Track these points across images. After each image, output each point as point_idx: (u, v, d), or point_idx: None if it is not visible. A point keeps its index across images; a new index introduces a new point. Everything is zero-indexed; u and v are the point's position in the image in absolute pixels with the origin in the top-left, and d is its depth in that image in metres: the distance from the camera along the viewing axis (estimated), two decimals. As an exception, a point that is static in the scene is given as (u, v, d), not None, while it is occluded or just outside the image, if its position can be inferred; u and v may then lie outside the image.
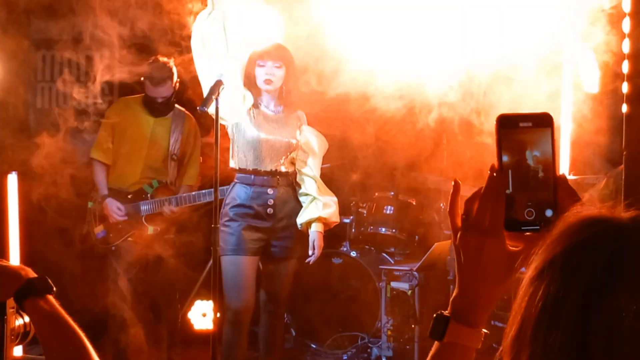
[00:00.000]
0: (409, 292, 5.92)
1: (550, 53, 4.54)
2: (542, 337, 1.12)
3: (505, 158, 1.41)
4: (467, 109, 4.92)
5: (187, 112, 5.92)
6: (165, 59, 5.73)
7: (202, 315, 6.06)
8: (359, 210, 6.47)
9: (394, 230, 6.36)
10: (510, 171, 1.41)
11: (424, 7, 4.49)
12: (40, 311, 1.93)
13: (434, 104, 4.92)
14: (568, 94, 4.77)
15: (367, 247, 6.45)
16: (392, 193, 6.47)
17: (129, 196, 5.79)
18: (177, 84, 5.79)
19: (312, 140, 5.15)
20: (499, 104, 4.65)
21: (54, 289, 1.99)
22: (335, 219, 5.13)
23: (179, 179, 5.90)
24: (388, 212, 6.39)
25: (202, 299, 6.12)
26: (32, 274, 2.01)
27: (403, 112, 5.10)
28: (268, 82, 4.99)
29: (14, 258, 4.45)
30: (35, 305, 1.94)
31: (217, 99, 4.63)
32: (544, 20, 4.35)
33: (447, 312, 1.44)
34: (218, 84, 4.65)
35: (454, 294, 1.45)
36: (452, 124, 5.34)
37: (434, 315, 1.45)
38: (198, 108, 4.73)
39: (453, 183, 1.50)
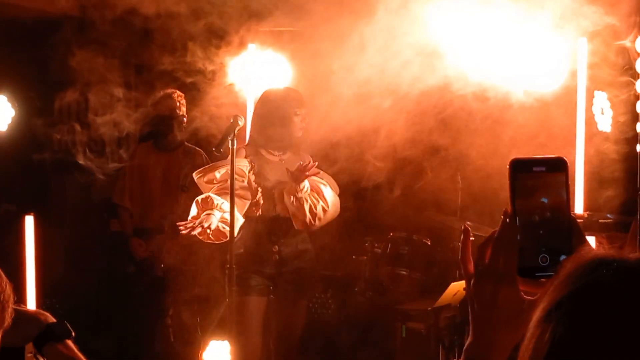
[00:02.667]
0: (425, 332, 5.90)
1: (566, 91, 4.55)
2: None
3: (518, 203, 1.40)
4: (481, 145, 4.93)
5: (197, 148, 6.10)
6: (173, 90, 5.89)
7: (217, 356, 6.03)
8: (374, 250, 6.46)
9: (408, 270, 6.34)
10: (523, 217, 1.39)
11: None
12: (59, 356, 1.94)
13: (447, 143, 4.94)
14: (582, 132, 4.77)
15: (382, 287, 6.43)
16: (407, 233, 6.47)
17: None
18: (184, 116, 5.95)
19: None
20: (514, 143, 4.66)
21: (73, 333, 2.00)
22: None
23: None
24: (403, 251, 6.38)
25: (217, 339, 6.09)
26: (51, 319, 2.02)
27: (417, 152, 5.13)
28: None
29: (31, 301, 4.47)
30: (54, 350, 1.95)
31: (232, 140, 4.66)
32: (557, 58, 4.36)
33: None
34: (233, 126, 4.69)
35: (467, 342, 1.44)
36: (467, 162, 5.36)
37: None
38: (214, 150, 4.76)
39: (463, 228, 1.50)
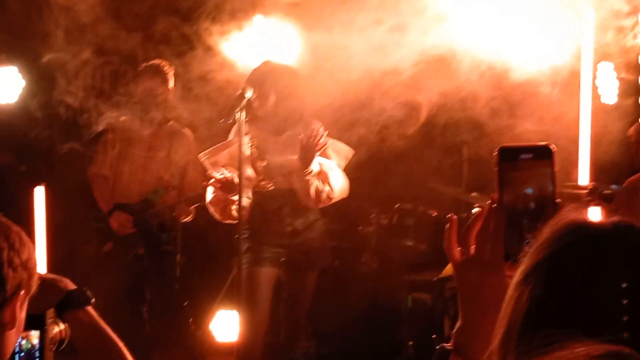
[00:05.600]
0: (430, 303, 5.95)
1: (569, 63, 4.56)
2: (528, 338, 1.15)
3: (505, 191, 1.42)
4: (488, 119, 4.95)
5: (183, 129, 5.86)
6: (159, 62, 5.69)
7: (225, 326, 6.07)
8: (380, 221, 6.49)
9: (414, 241, 6.38)
10: (510, 204, 1.41)
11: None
12: (80, 323, 1.98)
13: (455, 115, 4.96)
14: (587, 105, 4.78)
15: (388, 258, 6.47)
16: (413, 204, 6.50)
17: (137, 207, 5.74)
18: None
19: None
20: (517, 117, 4.68)
21: (93, 300, 2.03)
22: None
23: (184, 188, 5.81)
24: (409, 223, 6.42)
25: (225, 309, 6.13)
26: (71, 285, 2.06)
27: (423, 124, 5.14)
28: None
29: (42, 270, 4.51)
30: (75, 317, 1.99)
31: (240, 111, 4.68)
32: (562, 31, 4.37)
33: (449, 345, 1.46)
34: (241, 97, 4.70)
35: (456, 327, 1.47)
36: (473, 134, 5.38)
37: (436, 347, 1.47)
38: (221, 121, 4.78)
39: (449, 217, 1.51)
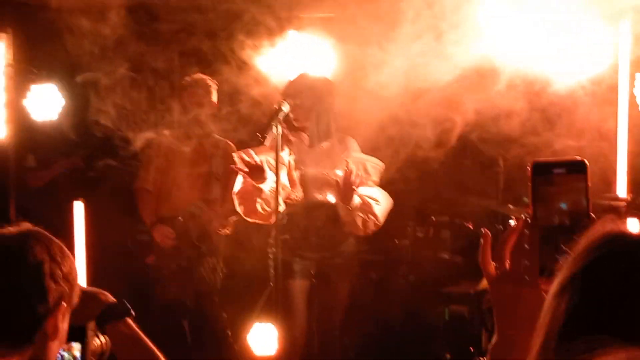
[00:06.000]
0: (467, 315, 5.93)
1: (606, 75, 4.53)
2: (566, 347, 1.15)
3: (539, 205, 1.42)
4: (524, 131, 4.93)
5: (226, 140, 5.87)
6: (202, 76, 5.72)
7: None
8: (417, 234, 6.49)
9: (450, 254, 6.37)
10: (544, 218, 1.41)
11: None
12: (121, 335, 2.01)
13: (491, 127, 4.94)
14: (624, 116, 4.75)
15: (424, 270, 6.46)
16: (448, 217, 6.48)
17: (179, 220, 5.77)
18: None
19: None
20: (553, 128, 4.66)
21: (133, 312, 2.06)
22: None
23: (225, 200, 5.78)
24: (445, 235, 6.41)
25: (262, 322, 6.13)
26: (111, 298, 2.08)
27: (459, 136, 5.14)
28: None
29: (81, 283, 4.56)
30: (116, 329, 2.01)
31: (276, 125, 4.70)
32: (598, 43, 4.35)
33: (486, 358, 1.48)
34: (278, 111, 4.73)
35: (492, 342, 1.47)
36: (508, 145, 5.35)
37: None
38: (258, 134, 4.81)
39: (483, 233, 1.52)
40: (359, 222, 4.98)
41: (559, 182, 1.42)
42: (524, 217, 1.44)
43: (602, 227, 1.24)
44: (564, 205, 1.41)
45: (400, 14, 4.53)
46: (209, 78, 5.75)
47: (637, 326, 1.13)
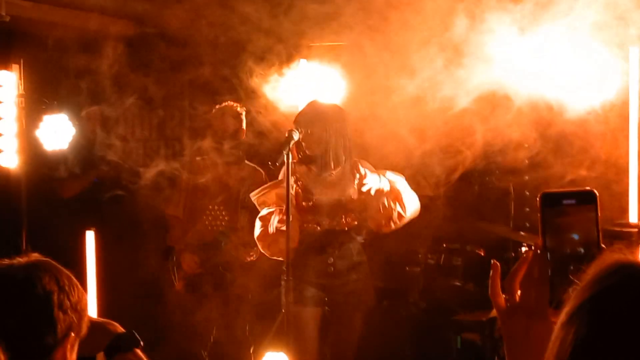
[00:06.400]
0: (480, 343, 5.89)
1: (617, 101, 4.53)
2: None
3: (549, 237, 1.41)
4: (534, 158, 4.92)
5: (257, 167, 5.94)
6: (232, 104, 5.79)
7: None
8: (428, 261, 6.47)
9: (462, 281, 6.34)
10: (554, 251, 1.41)
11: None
12: None
13: (502, 156, 4.94)
14: (635, 141, 4.73)
15: (436, 298, 6.43)
16: (460, 244, 6.47)
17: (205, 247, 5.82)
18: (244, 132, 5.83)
19: None
20: (563, 155, 4.64)
21: (142, 343, 2.05)
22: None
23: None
24: (456, 263, 6.38)
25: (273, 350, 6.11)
26: (120, 328, 2.08)
27: (470, 164, 5.13)
28: None
29: (92, 312, 4.56)
30: (124, 359, 2.01)
31: (287, 154, 4.71)
32: (607, 70, 4.35)
33: None
34: (288, 140, 4.74)
35: None
36: (519, 173, 5.35)
37: None
38: (269, 164, 4.82)
39: (492, 264, 1.52)
40: (380, 209, 4.95)
41: (569, 213, 1.41)
42: (533, 249, 1.43)
43: (611, 256, 1.23)
44: (575, 236, 1.40)
45: (409, 42, 4.55)
46: (239, 105, 5.82)
47: None
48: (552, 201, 1.41)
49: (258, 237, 5.03)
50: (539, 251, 1.43)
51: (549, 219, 1.41)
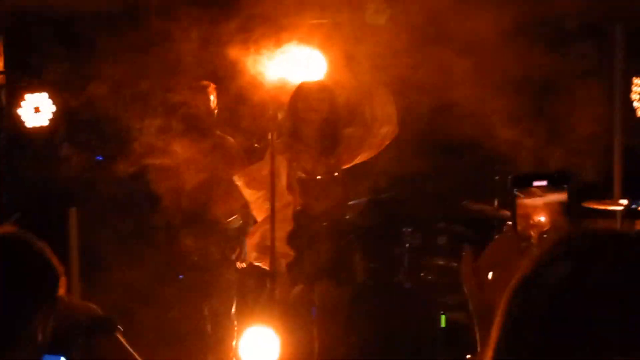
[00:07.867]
0: (465, 322, 5.90)
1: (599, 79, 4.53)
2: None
3: (519, 218, 1.40)
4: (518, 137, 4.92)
5: (228, 137, 5.90)
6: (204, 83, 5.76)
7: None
8: (413, 240, 6.46)
9: (447, 260, 6.34)
10: (524, 231, 1.40)
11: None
12: (108, 349, 1.98)
13: (487, 132, 4.93)
14: (618, 119, 4.73)
15: (421, 277, 6.44)
16: (445, 223, 6.47)
17: None
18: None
19: None
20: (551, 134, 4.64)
21: (121, 328, 2.03)
22: None
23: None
24: (441, 242, 6.39)
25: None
26: (99, 311, 2.05)
27: (455, 142, 5.13)
28: None
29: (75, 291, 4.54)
30: (103, 342, 1.98)
31: (272, 134, 4.70)
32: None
33: None
34: (271, 119, 4.73)
35: (476, 355, 1.48)
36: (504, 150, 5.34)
37: None
38: (254, 144, 4.81)
39: (462, 253, 1.51)
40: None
41: (538, 195, 1.38)
42: (505, 230, 1.42)
43: (563, 227, 1.20)
44: (542, 219, 1.38)
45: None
46: (210, 84, 5.77)
47: (582, 328, 1.09)
48: (522, 182, 1.40)
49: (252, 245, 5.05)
50: (509, 233, 1.41)
51: (519, 201, 1.39)
